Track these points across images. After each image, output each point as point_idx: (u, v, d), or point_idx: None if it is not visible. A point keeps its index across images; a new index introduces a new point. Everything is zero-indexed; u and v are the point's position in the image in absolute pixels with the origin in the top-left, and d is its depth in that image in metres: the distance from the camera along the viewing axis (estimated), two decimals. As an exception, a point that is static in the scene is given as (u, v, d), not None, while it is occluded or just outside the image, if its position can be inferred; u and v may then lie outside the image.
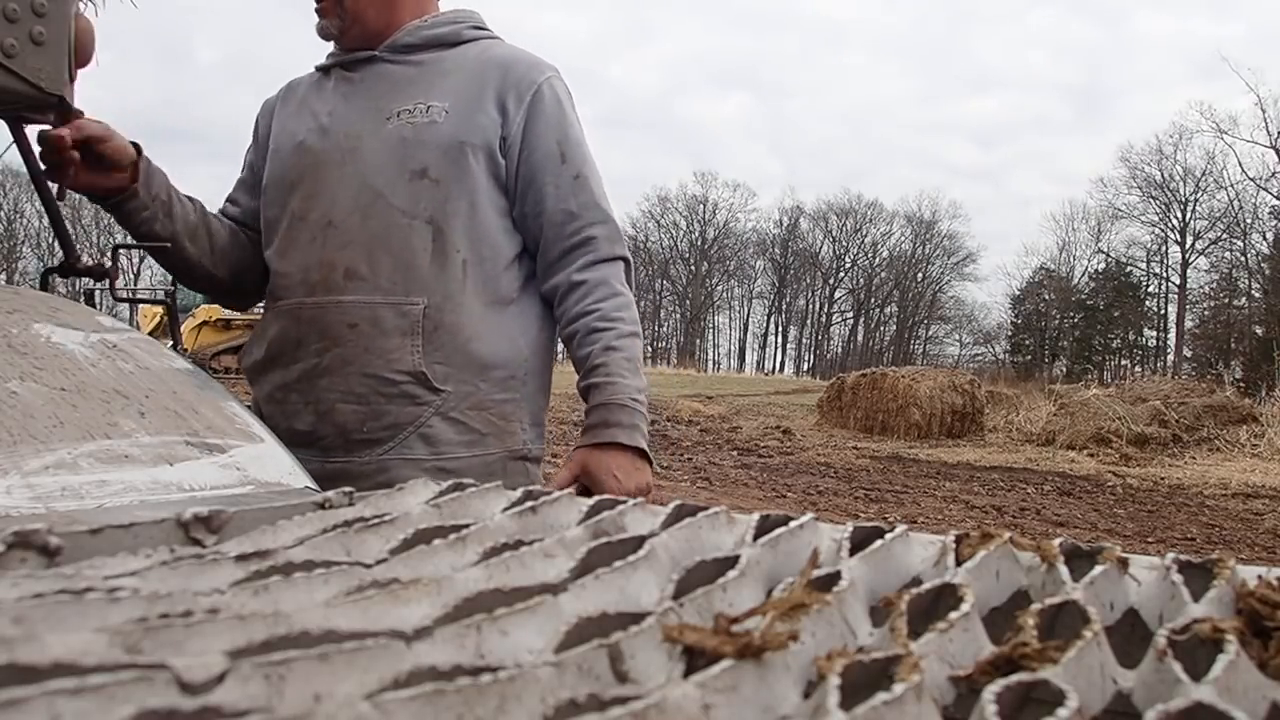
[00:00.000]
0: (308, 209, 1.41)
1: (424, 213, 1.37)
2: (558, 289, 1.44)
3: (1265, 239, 38.83)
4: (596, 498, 0.46)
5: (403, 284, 1.36)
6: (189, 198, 1.50)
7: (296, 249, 1.41)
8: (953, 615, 0.28)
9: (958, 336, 53.79)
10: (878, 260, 55.21)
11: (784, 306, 57.04)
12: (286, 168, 1.46)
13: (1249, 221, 39.01)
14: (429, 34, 1.45)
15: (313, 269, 1.39)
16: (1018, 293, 50.49)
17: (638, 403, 1.35)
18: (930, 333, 54.57)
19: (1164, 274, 43.56)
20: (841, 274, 55.85)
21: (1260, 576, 0.33)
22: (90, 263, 1.43)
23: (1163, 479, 9.03)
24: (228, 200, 1.61)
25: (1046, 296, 48.79)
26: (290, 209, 1.43)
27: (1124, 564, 0.35)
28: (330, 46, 1.54)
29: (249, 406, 1.51)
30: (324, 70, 1.52)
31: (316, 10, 1.46)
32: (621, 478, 1.30)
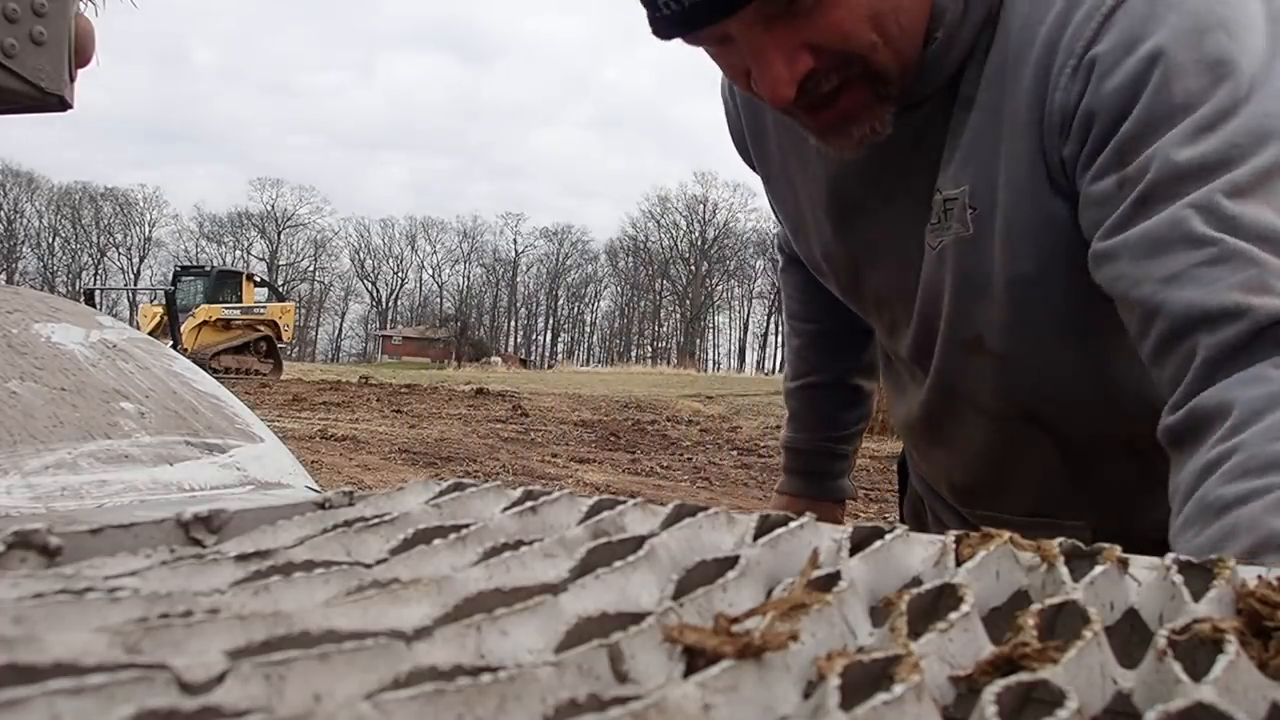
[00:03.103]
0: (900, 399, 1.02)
1: (1011, 408, 0.85)
2: (1185, 410, 0.64)
3: (1265, 239, 38.85)
4: (596, 498, 0.46)
5: (1050, 509, 0.90)
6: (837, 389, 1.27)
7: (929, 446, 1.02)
8: (953, 615, 0.28)
9: (958, 336, 53.73)
10: (878, 260, 55.15)
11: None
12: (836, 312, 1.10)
13: (1249, 221, 39.02)
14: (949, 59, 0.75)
15: (940, 473, 1.02)
16: (1018, 293, 50.46)
17: None
18: (930, 333, 54.51)
19: (1164, 274, 43.53)
20: (841, 274, 55.78)
21: (1260, 576, 0.33)
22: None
23: (1163, 479, 9.02)
24: (807, 289, 1.21)
25: (1046, 296, 48.74)
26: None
27: (1124, 564, 0.35)
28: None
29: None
30: None
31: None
32: None
